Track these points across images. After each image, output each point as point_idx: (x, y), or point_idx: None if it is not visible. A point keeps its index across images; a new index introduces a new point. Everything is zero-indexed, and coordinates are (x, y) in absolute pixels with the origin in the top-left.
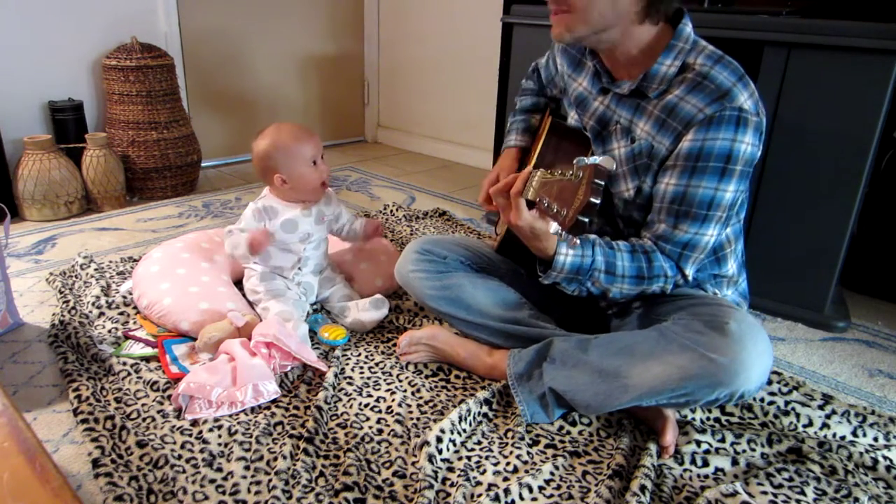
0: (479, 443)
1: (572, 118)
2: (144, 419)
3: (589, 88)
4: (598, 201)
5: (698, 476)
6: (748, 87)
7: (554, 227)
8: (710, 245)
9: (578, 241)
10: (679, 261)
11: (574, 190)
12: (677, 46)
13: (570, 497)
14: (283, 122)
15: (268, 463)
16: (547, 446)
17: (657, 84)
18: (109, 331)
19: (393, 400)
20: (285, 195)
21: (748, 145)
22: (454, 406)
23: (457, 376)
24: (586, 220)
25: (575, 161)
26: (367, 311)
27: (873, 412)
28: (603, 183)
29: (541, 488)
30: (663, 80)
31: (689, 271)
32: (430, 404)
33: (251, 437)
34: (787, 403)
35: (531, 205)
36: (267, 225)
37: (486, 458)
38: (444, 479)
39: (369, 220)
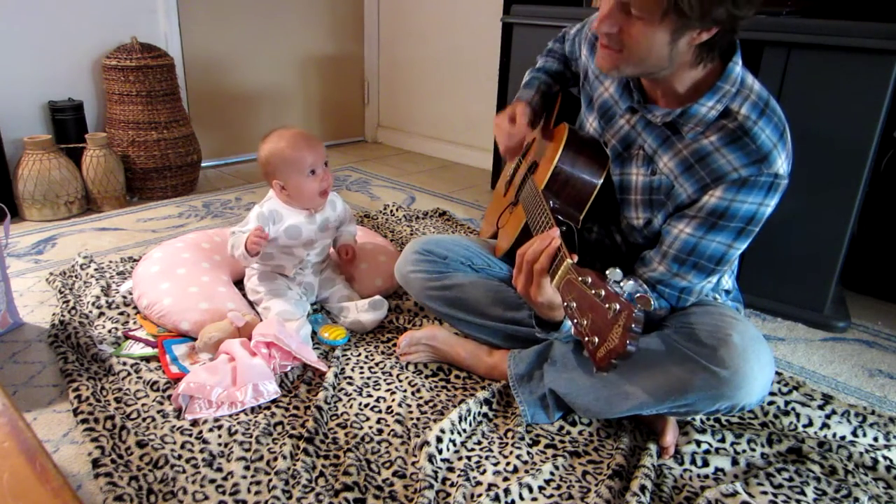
0: (479, 443)
1: (591, 123)
2: (144, 419)
3: (616, 98)
4: (635, 349)
5: (698, 476)
6: (786, 145)
7: (569, 327)
8: (704, 290)
9: (606, 374)
10: (676, 302)
11: (608, 324)
12: (723, 89)
13: (570, 497)
14: (285, 129)
15: (268, 463)
16: (547, 446)
17: (693, 125)
18: (109, 331)
19: (393, 400)
20: (286, 200)
21: (770, 208)
22: (454, 406)
23: (457, 376)
24: (618, 363)
25: (608, 273)
26: (366, 311)
27: (873, 412)
28: (640, 331)
29: (541, 488)
30: (701, 122)
31: (681, 306)
32: (430, 404)
33: (251, 437)
34: (787, 403)
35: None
36: (270, 228)
37: (486, 458)
38: (444, 479)
39: (345, 248)
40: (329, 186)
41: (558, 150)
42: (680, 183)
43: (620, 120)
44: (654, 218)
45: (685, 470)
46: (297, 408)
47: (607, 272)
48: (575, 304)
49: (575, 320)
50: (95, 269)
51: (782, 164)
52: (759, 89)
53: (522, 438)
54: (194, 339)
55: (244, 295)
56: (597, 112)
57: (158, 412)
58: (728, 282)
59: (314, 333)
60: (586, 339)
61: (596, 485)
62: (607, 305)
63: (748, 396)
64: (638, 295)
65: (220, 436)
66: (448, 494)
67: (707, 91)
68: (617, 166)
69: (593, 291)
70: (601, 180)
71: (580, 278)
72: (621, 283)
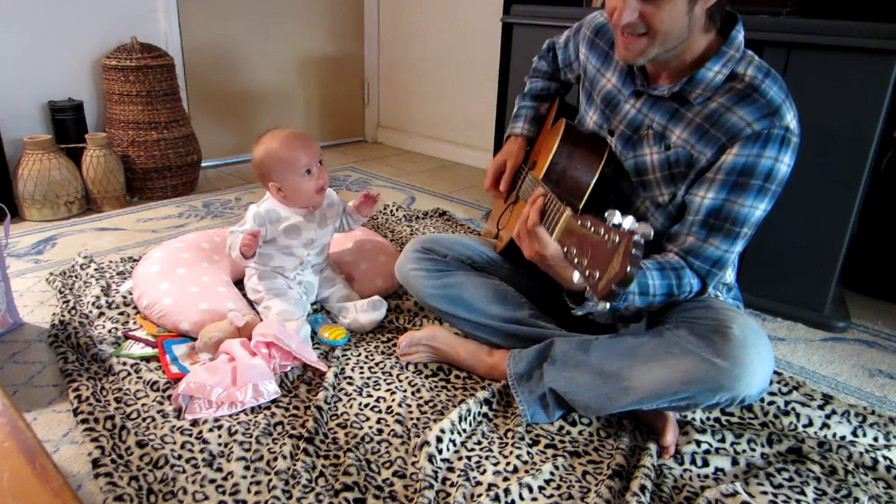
0: (479, 443)
1: (591, 118)
2: (144, 419)
3: (619, 87)
4: (635, 272)
5: (698, 476)
6: (792, 105)
7: (577, 276)
8: (731, 265)
9: (608, 306)
10: (707, 277)
11: (608, 257)
12: (728, 54)
13: (570, 497)
14: (279, 129)
15: (268, 463)
16: (547, 446)
17: (702, 90)
18: (109, 331)
19: (393, 400)
20: (282, 201)
21: (787, 166)
22: (454, 406)
23: (457, 376)
24: (621, 290)
25: (606, 214)
26: (366, 312)
27: (873, 412)
28: (641, 255)
29: (541, 488)
30: (709, 86)
31: (712, 287)
32: (430, 404)
33: (251, 437)
34: (787, 403)
35: None
36: (269, 229)
37: (486, 458)
38: (444, 479)
39: (360, 197)
40: (325, 184)
41: (555, 143)
42: (698, 150)
43: (626, 105)
44: (677, 191)
45: (685, 470)
46: (297, 408)
47: (605, 214)
48: (575, 249)
49: (576, 261)
50: (95, 269)
51: (791, 119)
52: (760, 59)
53: (522, 438)
54: (194, 339)
55: (244, 295)
56: (600, 104)
57: (158, 412)
58: (731, 275)
59: (314, 333)
60: (587, 273)
61: (596, 485)
62: (606, 238)
63: (748, 388)
64: (637, 226)
65: (220, 436)
66: (448, 494)
67: (712, 57)
68: (629, 150)
69: (592, 230)
70: (599, 169)
71: (579, 222)
72: (621, 221)
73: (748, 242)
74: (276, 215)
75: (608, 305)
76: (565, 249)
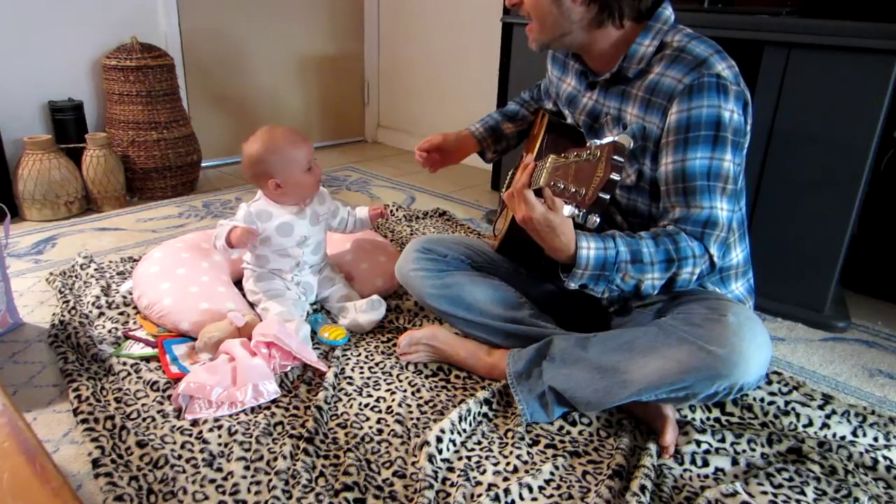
0: (479, 443)
1: (567, 119)
2: (144, 419)
3: (576, 86)
4: (619, 178)
5: (698, 476)
6: (726, 59)
7: (568, 209)
8: (728, 221)
9: (598, 219)
10: (703, 239)
11: (592, 169)
12: (655, 27)
13: (570, 497)
14: (274, 126)
15: (268, 463)
16: (547, 446)
17: (636, 63)
18: (109, 331)
19: (393, 400)
20: (278, 198)
21: (732, 112)
22: (454, 406)
23: (457, 376)
24: (607, 196)
25: (589, 143)
26: (365, 312)
27: (873, 412)
28: (623, 160)
29: (541, 488)
30: (642, 59)
31: (715, 250)
32: (430, 404)
33: (251, 437)
34: (787, 403)
35: (538, 194)
36: (261, 227)
37: (486, 458)
38: (444, 479)
39: (372, 206)
40: (320, 177)
41: (541, 133)
42: (648, 121)
43: (583, 99)
44: (642, 168)
45: (685, 470)
46: (297, 408)
47: (587, 143)
48: (562, 180)
49: (562, 188)
50: (95, 269)
51: (723, 69)
52: (690, 30)
53: (522, 438)
54: (194, 339)
55: (244, 295)
56: (566, 105)
57: (158, 412)
58: (738, 255)
59: (314, 333)
60: (573, 191)
61: (596, 485)
62: (588, 154)
63: (745, 375)
64: (616, 138)
65: (220, 436)
66: (448, 494)
67: (641, 33)
68: (592, 137)
69: (575, 155)
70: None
71: (563, 156)
72: (601, 141)
73: (737, 200)
74: (267, 214)
75: (597, 219)
76: (552, 184)
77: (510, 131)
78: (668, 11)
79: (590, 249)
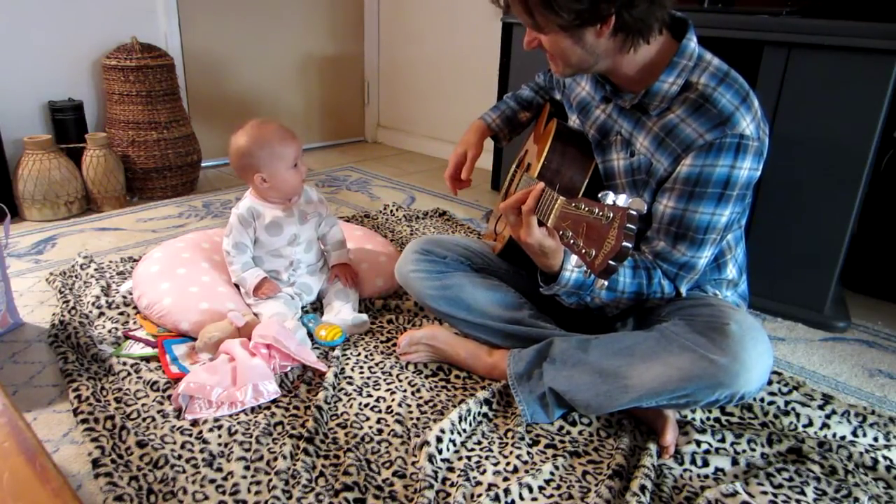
0: (479, 443)
1: (574, 122)
2: (144, 419)
3: (591, 93)
4: (631, 246)
5: (698, 476)
6: (751, 109)
7: (576, 259)
8: (704, 266)
9: (606, 283)
10: (675, 280)
11: (604, 232)
12: (680, 64)
13: (570, 497)
14: (265, 120)
15: (268, 463)
16: (547, 446)
17: (658, 101)
18: (109, 331)
19: (393, 400)
20: (265, 194)
21: (747, 170)
22: (454, 406)
23: (457, 376)
24: (616, 264)
25: (600, 196)
26: (351, 323)
27: (873, 412)
28: (636, 228)
29: (541, 488)
30: (665, 98)
31: (683, 290)
32: (430, 404)
33: (251, 437)
34: (787, 403)
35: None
36: (255, 225)
37: (486, 458)
38: (444, 479)
39: (341, 266)
40: (305, 175)
41: (548, 141)
42: (657, 159)
43: (596, 111)
44: (639, 197)
45: (685, 470)
46: (297, 408)
47: (599, 195)
48: (570, 231)
49: (572, 242)
50: (95, 269)
51: (748, 125)
52: (718, 63)
53: (522, 438)
54: (194, 339)
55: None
56: (577, 110)
57: (158, 412)
58: (732, 271)
59: (310, 334)
60: (583, 251)
61: (596, 485)
62: (601, 214)
63: (747, 384)
64: (631, 200)
65: (220, 436)
66: (448, 494)
67: (665, 68)
68: (600, 154)
69: (587, 209)
70: (591, 168)
71: (573, 205)
72: (615, 199)
73: (720, 246)
74: (257, 212)
75: (605, 283)
76: (561, 233)
77: (525, 119)
78: (692, 44)
79: (572, 272)
